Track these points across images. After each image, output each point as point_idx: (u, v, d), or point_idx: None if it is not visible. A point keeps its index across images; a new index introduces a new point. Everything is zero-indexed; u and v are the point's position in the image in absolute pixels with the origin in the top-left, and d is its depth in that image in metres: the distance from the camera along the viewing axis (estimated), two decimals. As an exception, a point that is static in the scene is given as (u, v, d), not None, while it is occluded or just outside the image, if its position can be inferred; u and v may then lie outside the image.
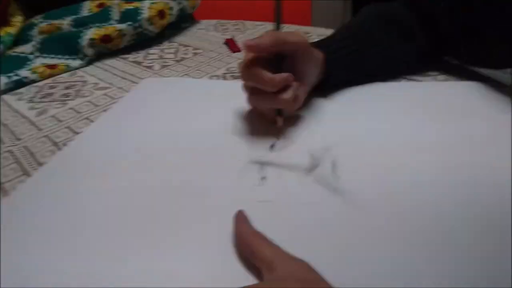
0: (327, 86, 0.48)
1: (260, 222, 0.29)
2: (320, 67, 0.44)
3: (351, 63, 0.48)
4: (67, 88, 0.60)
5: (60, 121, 0.50)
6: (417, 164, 0.36)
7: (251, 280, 0.26)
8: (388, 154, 0.38)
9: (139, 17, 0.68)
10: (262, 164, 0.37)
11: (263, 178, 0.36)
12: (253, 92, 0.40)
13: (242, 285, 0.23)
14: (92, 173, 0.38)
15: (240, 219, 0.30)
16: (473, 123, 0.42)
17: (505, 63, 0.51)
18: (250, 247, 0.27)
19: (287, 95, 0.38)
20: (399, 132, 0.41)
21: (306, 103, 0.46)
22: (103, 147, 0.42)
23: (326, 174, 0.36)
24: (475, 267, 0.26)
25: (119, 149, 0.41)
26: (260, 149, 0.40)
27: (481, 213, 0.30)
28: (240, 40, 0.76)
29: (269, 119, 0.42)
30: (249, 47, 0.37)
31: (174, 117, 0.47)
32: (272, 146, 0.40)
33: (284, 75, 0.38)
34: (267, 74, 0.37)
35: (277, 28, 0.40)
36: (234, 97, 0.44)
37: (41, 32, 0.72)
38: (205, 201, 0.34)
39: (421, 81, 0.53)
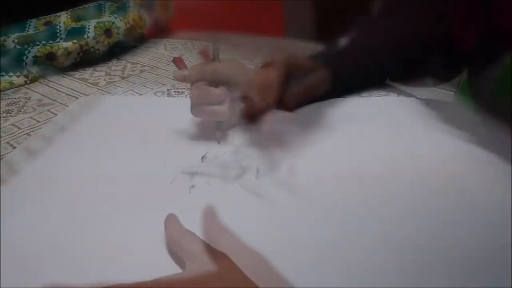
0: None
1: (188, 227, 0.32)
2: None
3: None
4: (9, 104, 0.60)
5: (-1, 136, 0.51)
6: (338, 173, 0.40)
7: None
8: (308, 163, 0.42)
9: (85, 35, 0.70)
10: (192, 174, 0.40)
11: (192, 186, 0.38)
12: (196, 105, 0.44)
13: None
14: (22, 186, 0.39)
15: (171, 219, 0.33)
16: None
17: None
18: (178, 242, 0.30)
19: (223, 108, 0.43)
20: (327, 144, 0.46)
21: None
22: (31, 162, 0.43)
23: (250, 180, 0.39)
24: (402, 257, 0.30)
25: (51, 164, 0.43)
26: (192, 160, 0.42)
27: (411, 211, 0.35)
28: (188, 58, 0.79)
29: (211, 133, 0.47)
30: (177, 79, 0.45)
31: (107, 132, 0.49)
32: (203, 157, 0.43)
33: (220, 88, 0.43)
34: (212, 88, 0.43)
35: (216, 59, 0.45)
36: (168, 112, 0.47)
37: (-16, 49, 0.72)
38: (138, 208, 0.36)
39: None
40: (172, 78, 0.67)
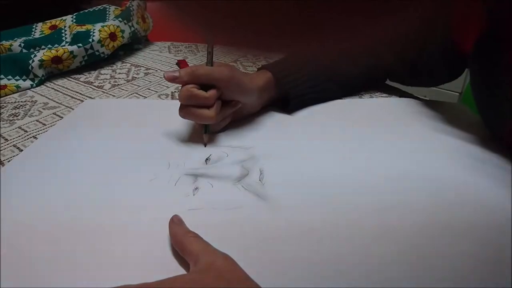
0: (288, 104, 0.54)
1: (191, 228, 0.32)
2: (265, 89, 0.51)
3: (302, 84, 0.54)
4: (16, 108, 0.61)
5: (7, 140, 0.51)
6: (339, 174, 0.41)
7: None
8: (311, 165, 0.42)
9: (90, 39, 0.71)
10: (196, 176, 0.41)
11: (196, 188, 0.39)
12: (184, 107, 0.45)
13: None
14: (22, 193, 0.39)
15: (175, 221, 0.33)
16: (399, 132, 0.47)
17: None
18: (182, 244, 0.30)
19: (211, 112, 0.44)
20: (328, 145, 0.46)
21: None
22: (37, 164, 0.44)
23: (253, 181, 0.39)
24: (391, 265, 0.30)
25: (54, 166, 0.43)
26: (196, 162, 0.43)
27: (399, 217, 0.35)
28: (192, 61, 0.80)
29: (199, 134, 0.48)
30: (168, 79, 0.44)
31: (112, 134, 0.50)
32: (207, 159, 0.43)
33: (210, 92, 0.44)
34: (201, 92, 0.44)
35: (208, 63, 0.46)
36: (173, 114, 0.47)
37: (-10, 53, 0.73)
38: (142, 210, 0.36)
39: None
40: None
